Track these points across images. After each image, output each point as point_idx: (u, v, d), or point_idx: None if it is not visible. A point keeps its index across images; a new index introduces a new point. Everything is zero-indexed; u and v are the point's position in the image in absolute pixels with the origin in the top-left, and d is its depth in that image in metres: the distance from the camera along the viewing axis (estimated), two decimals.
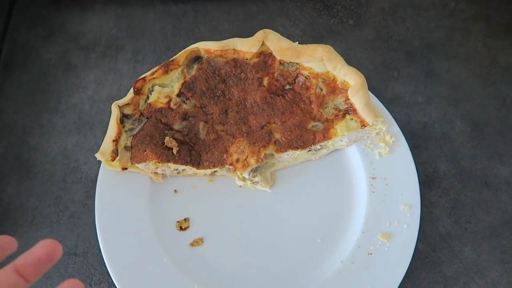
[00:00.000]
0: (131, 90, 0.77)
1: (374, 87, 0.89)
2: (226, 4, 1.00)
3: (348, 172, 0.79)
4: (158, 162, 0.73)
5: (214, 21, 0.98)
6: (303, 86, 0.78)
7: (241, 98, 0.78)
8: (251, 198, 0.78)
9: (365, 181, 0.77)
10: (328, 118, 0.76)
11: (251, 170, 0.75)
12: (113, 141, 0.74)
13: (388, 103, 0.87)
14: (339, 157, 0.80)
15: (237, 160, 0.75)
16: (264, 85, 0.78)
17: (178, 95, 0.78)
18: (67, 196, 0.82)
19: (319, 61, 0.77)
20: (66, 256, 0.77)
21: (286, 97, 0.78)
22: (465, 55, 0.94)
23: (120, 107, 0.76)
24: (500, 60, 0.93)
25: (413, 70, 0.92)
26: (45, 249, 0.42)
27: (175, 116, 0.76)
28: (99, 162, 0.76)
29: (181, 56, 0.78)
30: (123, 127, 0.75)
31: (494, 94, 0.90)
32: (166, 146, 0.74)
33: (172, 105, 0.77)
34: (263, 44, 0.78)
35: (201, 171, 0.77)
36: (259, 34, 0.78)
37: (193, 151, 0.76)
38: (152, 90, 0.77)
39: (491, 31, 0.96)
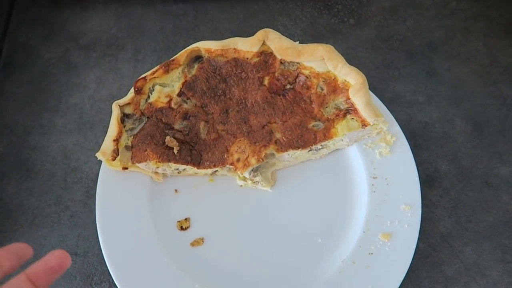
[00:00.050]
0: (132, 90, 0.77)
1: (374, 86, 0.89)
2: (226, 3, 1.00)
3: (348, 171, 0.79)
4: (159, 161, 0.73)
5: (214, 20, 0.98)
6: (304, 85, 0.78)
7: (242, 98, 0.78)
8: (252, 197, 0.78)
9: (365, 180, 0.77)
10: (329, 117, 0.76)
11: (252, 170, 0.75)
12: (114, 140, 0.73)
13: (389, 103, 0.87)
14: (340, 157, 0.80)
15: (238, 160, 0.75)
16: (264, 85, 0.78)
17: (179, 95, 0.78)
18: (68, 196, 0.82)
19: (320, 60, 0.77)
20: None
21: (287, 96, 0.78)
22: (466, 54, 0.94)
23: (121, 107, 0.75)
24: (501, 59, 0.93)
25: (413, 69, 0.92)
26: (56, 259, 0.45)
27: (175, 116, 0.76)
28: (100, 161, 0.76)
29: (182, 55, 0.78)
30: (124, 126, 0.75)
31: (494, 94, 0.90)
32: (167, 146, 0.74)
33: (172, 105, 0.77)
34: (263, 43, 0.78)
35: (202, 171, 0.76)
36: (260, 34, 0.78)
37: (193, 151, 0.75)
38: (153, 90, 0.77)
39: (492, 31, 0.96)
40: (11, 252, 0.45)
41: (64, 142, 0.86)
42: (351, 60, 0.80)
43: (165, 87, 0.78)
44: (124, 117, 0.76)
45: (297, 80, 0.78)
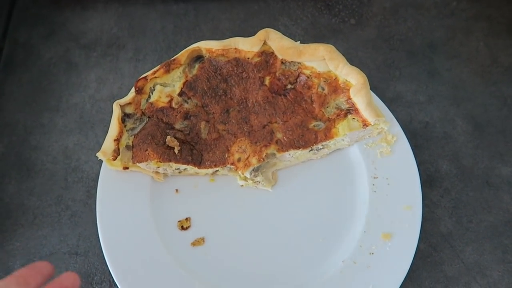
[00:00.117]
0: (133, 89, 0.77)
1: (375, 86, 0.89)
2: (227, 3, 1.00)
3: (349, 171, 0.79)
4: (160, 161, 0.73)
5: (215, 20, 0.98)
6: (305, 85, 0.78)
7: (243, 98, 0.78)
8: (253, 197, 0.78)
9: (366, 180, 0.77)
10: (330, 117, 0.76)
11: (253, 170, 0.75)
12: (115, 140, 0.73)
13: (390, 103, 0.87)
14: (341, 157, 0.80)
15: (239, 160, 0.75)
16: (265, 85, 0.78)
17: (180, 95, 0.78)
18: (68, 196, 0.82)
19: (321, 60, 0.77)
20: (67, 255, 0.77)
21: (288, 96, 0.78)
22: (467, 54, 0.94)
23: (122, 106, 0.75)
24: (502, 59, 0.93)
25: (414, 69, 0.92)
26: (69, 279, 0.49)
27: (176, 116, 0.76)
28: (100, 161, 0.76)
29: (183, 55, 0.78)
30: (125, 126, 0.75)
31: (495, 94, 0.90)
32: (168, 146, 0.74)
33: (173, 105, 0.77)
34: (264, 43, 0.78)
35: (203, 171, 0.76)
36: (261, 33, 0.78)
37: (194, 151, 0.75)
38: (154, 89, 0.77)
39: (492, 31, 0.96)
40: (36, 270, 0.48)
41: (64, 141, 0.86)
42: (352, 60, 0.80)
43: (166, 86, 0.78)
44: (125, 117, 0.75)
45: (298, 80, 0.78)
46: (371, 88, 0.76)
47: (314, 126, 0.76)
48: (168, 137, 0.74)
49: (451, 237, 0.78)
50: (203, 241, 0.75)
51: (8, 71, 0.93)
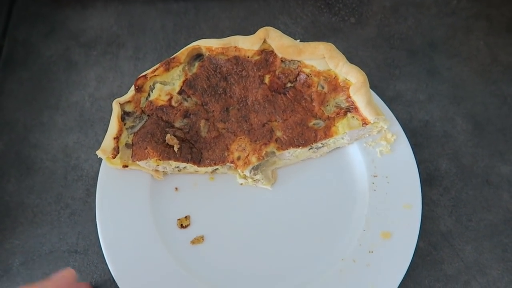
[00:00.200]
0: (132, 88, 0.77)
1: (375, 85, 0.89)
2: (227, 1, 0.99)
3: (349, 170, 0.79)
4: (159, 159, 0.73)
5: (215, 18, 0.98)
6: (305, 84, 0.78)
7: (243, 96, 0.78)
8: (252, 196, 0.78)
9: (366, 179, 0.77)
10: (330, 116, 0.76)
11: (252, 168, 0.75)
12: (114, 138, 0.73)
13: (390, 101, 0.87)
14: (341, 155, 0.80)
15: (238, 158, 0.75)
16: (265, 83, 0.78)
17: (179, 93, 0.77)
18: (68, 194, 0.82)
19: (320, 59, 0.77)
20: (66, 254, 0.77)
21: (288, 95, 0.78)
22: (467, 53, 0.94)
23: (121, 105, 0.75)
24: (502, 58, 0.93)
25: (414, 68, 0.92)
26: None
27: (176, 114, 0.76)
28: (100, 159, 0.76)
29: (183, 53, 0.78)
30: (124, 124, 0.75)
31: (495, 93, 0.90)
32: (167, 144, 0.74)
33: (173, 103, 0.77)
34: (264, 41, 0.78)
35: (202, 169, 0.76)
36: (261, 32, 0.77)
37: (194, 149, 0.75)
38: (153, 88, 0.77)
39: (492, 30, 0.96)
40: (64, 278, 0.57)
41: (64, 140, 0.86)
42: (352, 59, 0.80)
43: (165, 85, 0.78)
44: (124, 115, 0.75)
45: (297, 78, 0.78)
46: (371, 87, 0.76)
47: (313, 124, 0.76)
48: (168, 135, 0.74)
49: (451, 235, 0.78)
50: (203, 239, 0.75)
51: (8, 69, 0.93)
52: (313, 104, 0.77)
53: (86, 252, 0.77)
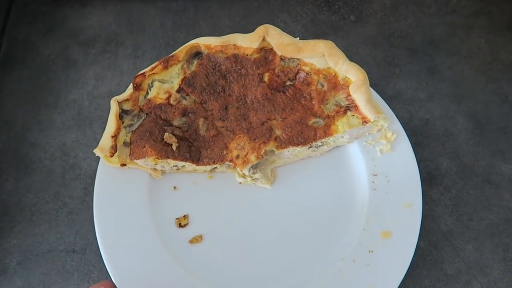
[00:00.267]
0: (130, 86, 0.76)
1: (375, 83, 0.88)
2: (227, 0, 0.99)
3: (349, 169, 0.79)
4: (157, 158, 0.72)
5: (214, 17, 0.98)
6: (304, 82, 0.77)
7: (242, 94, 0.78)
8: (251, 195, 0.77)
9: (366, 178, 0.76)
10: (329, 114, 0.76)
11: (251, 167, 0.74)
12: (112, 137, 0.73)
13: (390, 100, 0.86)
14: (340, 154, 0.80)
15: (237, 157, 0.74)
16: (264, 81, 0.77)
17: (178, 91, 0.77)
18: (66, 193, 0.81)
19: (320, 56, 0.76)
20: (64, 253, 0.77)
21: (287, 93, 0.77)
22: (468, 51, 0.93)
23: (119, 103, 0.75)
24: (503, 57, 0.92)
25: (415, 66, 0.91)
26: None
27: (174, 112, 0.76)
28: (98, 158, 0.76)
29: (181, 51, 0.78)
30: (122, 123, 0.75)
31: (496, 91, 0.89)
32: (166, 142, 0.74)
33: (171, 101, 0.76)
34: (263, 39, 0.77)
35: (201, 168, 0.76)
36: (260, 30, 0.77)
37: (192, 147, 0.75)
38: (152, 86, 0.77)
39: (493, 28, 0.95)
40: None
41: (62, 138, 0.86)
42: (352, 57, 0.80)
43: (164, 83, 0.77)
44: (122, 113, 0.75)
45: (297, 76, 0.78)
46: (371, 85, 0.76)
47: (313, 123, 0.75)
48: (166, 133, 0.74)
49: (451, 235, 0.78)
50: (201, 238, 0.74)
51: (6, 68, 0.92)
52: (313, 102, 0.76)
53: (83, 252, 0.77)
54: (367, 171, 0.77)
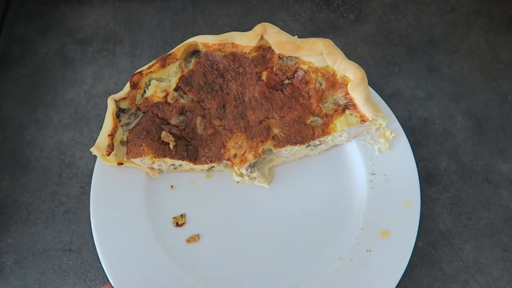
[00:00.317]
0: (128, 84, 0.76)
1: (374, 82, 0.88)
2: None
3: (347, 168, 0.78)
4: (154, 157, 0.72)
5: (213, 15, 0.97)
6: (302, 80, 0.77)
7: (239, 93, 0.77)
8: (249, 194, 0.77)
9: (364, 177, 0.76)
10: (328, 113, 0.75)
11: (249, 166, 0.74)
12: (109, 135, 0.72)
13: (389, 99, 0.86)
14: (338, 153, 0.79)
15: (235, 156, 0.74)
16: (262, 80, 0.77)
17: (175, 90, 0.77)
18: (63, 192, 0.81)
19: (318, 55, 0.76)
20: (60, 252, 0.76)
21: (285, 91, 0.77)
22: (467, 50, 0.93)
23: (117, 101, 0.74)
24: (503, 55, 0.92)
25: (414, 65, 0.91)
26: None
27: (172, 111, 0.75)
28: (95, 157, 0.75)
29: (179, 49, 0.77)
30: (119, 121, 0.74)
31: (496, 90, 0.89)
32: (163, 141, 0.73)
33: (169, 100, 0.76)
34: (262, 38, 0.77)
35: (198, 167, 0.75)
36: (258, 28, 0.77)
37: (190, 146, 0.74)
38: (149, 84, 0.76)
39: (493, 27, 0.95)
40: None
41: (59, 137, 0.85)
42: (351, 55, 0.79)
43: (161, 81, 0.77)
44: (119, 112, 0.75)
45: (295, 75, 0.77)
46: (369, 84, 0.75)
47: (311, 121, 0.75)
48: (163, 132, 0.73)
49: (450, 234, 0.77)
50: (198, 238, 0.74)
51: (3, 66, 0.92)
52: (311, 101, 0.76)
53: (80, 251, 0.77)
54: (365, 170, 0.76)
